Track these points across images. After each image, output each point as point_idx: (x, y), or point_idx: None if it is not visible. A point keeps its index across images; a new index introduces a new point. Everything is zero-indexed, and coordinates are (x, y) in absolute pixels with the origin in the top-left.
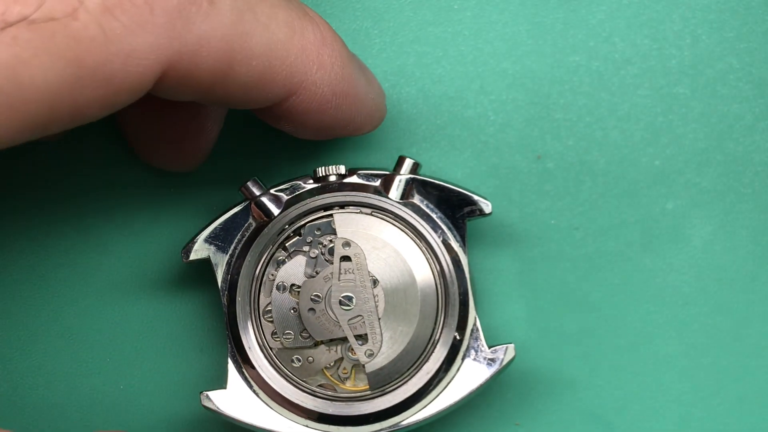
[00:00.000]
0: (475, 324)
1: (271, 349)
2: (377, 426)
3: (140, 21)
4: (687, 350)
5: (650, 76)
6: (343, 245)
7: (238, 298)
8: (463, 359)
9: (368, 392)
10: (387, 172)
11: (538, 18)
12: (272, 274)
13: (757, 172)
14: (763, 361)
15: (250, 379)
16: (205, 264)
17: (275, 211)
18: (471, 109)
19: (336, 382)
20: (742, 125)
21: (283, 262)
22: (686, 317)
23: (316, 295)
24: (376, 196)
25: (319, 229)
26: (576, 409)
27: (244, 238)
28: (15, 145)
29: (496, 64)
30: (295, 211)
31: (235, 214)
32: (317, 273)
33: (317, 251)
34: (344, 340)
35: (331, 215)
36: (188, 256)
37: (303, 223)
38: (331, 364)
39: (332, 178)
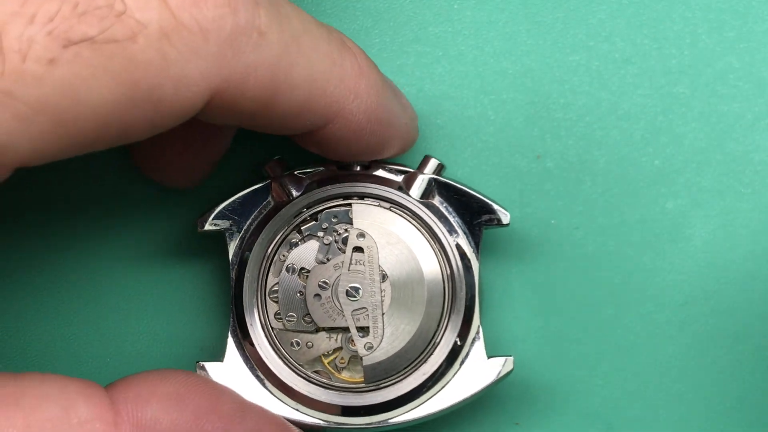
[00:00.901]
0: (477, 332)
1: (272, 329)
2: (366, 419)
3: (194, 48)
4: (687, 350)
5: (650, 75)
6: (357, 236)
7: (247, 275)
8: (461, 365)
9: (362, 385)
10: (411, 170)
11: (537, 17)
12: (283, 255)
13: (756, 172)
14: (763, 361)
15: (248, 356)
16: (219, 236)
17: (295, 192)
18: (471, 109)
19: (332, 371)
20: (742, 125)
21: (296, 244)
22: (686, 317)
23: (324, 282)
24: (397, 192)
25: (335, 217)
26: (576, 409)
27: (261, 216)
28: (57, 160)
29: (496, 63)
30: (314, 195)
31: (255, 190)
32: (328, 260)
33: (331, 238)
34: (346, 330)
35: (349, 205)
36: (203, 226)
37: (321, 208)
38: (330, 352)
39: (357, 169)
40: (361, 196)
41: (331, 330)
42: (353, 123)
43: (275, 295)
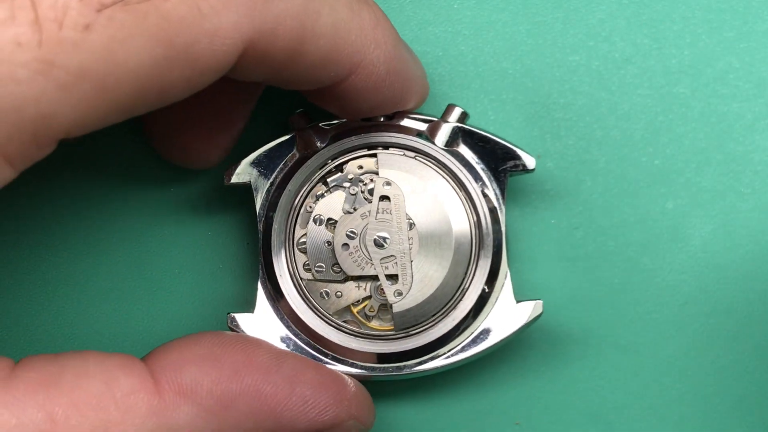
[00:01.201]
0: (506, 278)
1: (301, 279)
2: (398, 365)
3: (225, 0)
4: (687, 350)
5: (650, 75)
6: (383, 185)
7: (275, 226)
8: (491, 310)
9: (392, 333)
10: (435, 118)
11: (537, 17)
12: (310, 207)
13: (756, 172)
14: (763, 361)
15: (278, 307)
16: (245, 189)
17: (320, 144)
18: (471, 109)
19: (362, 319)
20: (742, 125)
21: (323, 195)
22: (686, 317)
23: (352, 232)
24: (422, 141)
25: (361, 167)
26: (576, 409)
27: (287, 168)
28: (100, 128)
29: (496, 63)
30: (339, 146)
31: (281, 143)
32: (355, 210)
33: (357, 188)
34: (374, 278)
35: (374, 155)
36: (230, 179)
37: (346, 159)
38: (359, 301)
39: (380, 119)
40: (386, 146)
41: (359, 279)
42: (374, 74)
43: (303, 246)
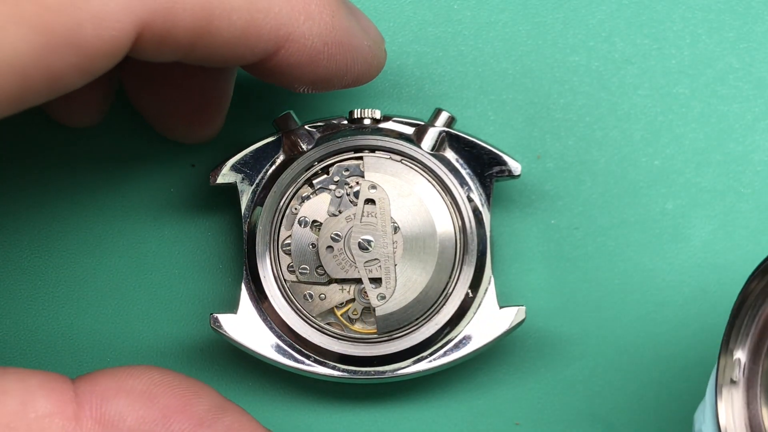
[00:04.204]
0: (489, 283)
1: (285, 281)
2: (379, 369)
3: None
4: (687, 350)
5: (650, 76)
6: (369, 188)
7: (259, 228)
8: (473, 315)
9: (375, 336)
10: (422, 122)
11: (537, 18)
12: (295, 209)
13: (756, 172)
14: None
15: (261, 308)
16: (231, 190)
17: (306, 146)
18: (471, 109)
19: (345, 322)
20: (742, 125)
21: (308, 197)
22: (686, 317)
23: (336, 234)
24: (408, 145)
25: (347, 170)
26: (576, 409)
27: (272, 169)
28: None
29: (496, 63)
30: (325, 149)
31: (267, 144)
32: (340, 212)
33: (343, 191)
34: (358, 281)
35: (360, 158)
36: (215, 180)
37: (332, 161)
38: (343, 303)
39: (367, 122)
40: (373, 149)
41: (343, 281)
42: (307, 47)
43: (288, 247)
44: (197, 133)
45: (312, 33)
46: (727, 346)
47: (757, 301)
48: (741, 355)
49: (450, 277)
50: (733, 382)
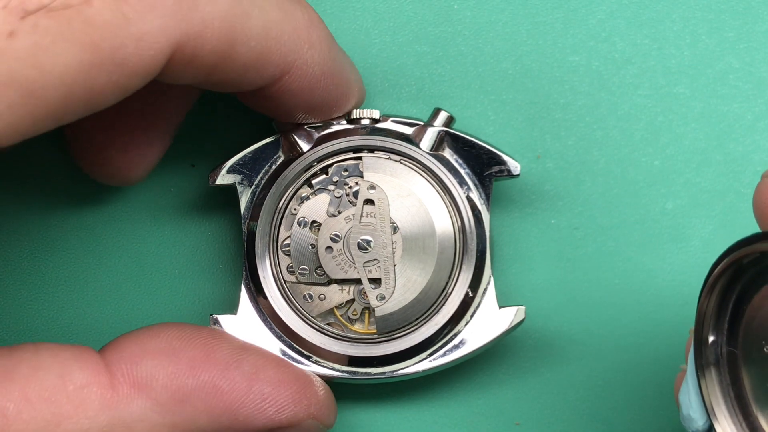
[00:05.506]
0: (489, 283)
1: (285, 281)
2: (379, 369)
3: (150, 4)
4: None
5: (650, 75)
6: (368, 188)
7: (259, 228)
8: (473, 315)
9: (375, 336)
10: (421, 122)
11: (537, 18)
12: (295, 209)
13: (756, 172)
14: None
15: (261, 308)
16: (230, 191)
17: (305, 146)
18: (471, 109)
19: (345, 323)
20: (742, 125)
21: (307, 198)
22: (686, 317)
23: (336, 235)
24: (407, 145)
25: (346, 170)
26: (576, 409)
27: (272, 170)
28: (30, 137)
29: (496, 63)
30: (324, 149)
31: (266, 144)
32: (339, 213)
33: (342, 191)
34: (358, 282)
35: (359, 158)
36: (215, 180)
37: (331, 162)
38: (342, 304)
39: (365, 122)
40: (372, 149)
41: (343, 282)
42: (308, 74)
43: (287, 248)
44: (128, 176)
45: (314, 61)
46: (701, 328)
47: (725, 281)
48: (715, 335)
49: (449, 277)
50: (712, 363)
